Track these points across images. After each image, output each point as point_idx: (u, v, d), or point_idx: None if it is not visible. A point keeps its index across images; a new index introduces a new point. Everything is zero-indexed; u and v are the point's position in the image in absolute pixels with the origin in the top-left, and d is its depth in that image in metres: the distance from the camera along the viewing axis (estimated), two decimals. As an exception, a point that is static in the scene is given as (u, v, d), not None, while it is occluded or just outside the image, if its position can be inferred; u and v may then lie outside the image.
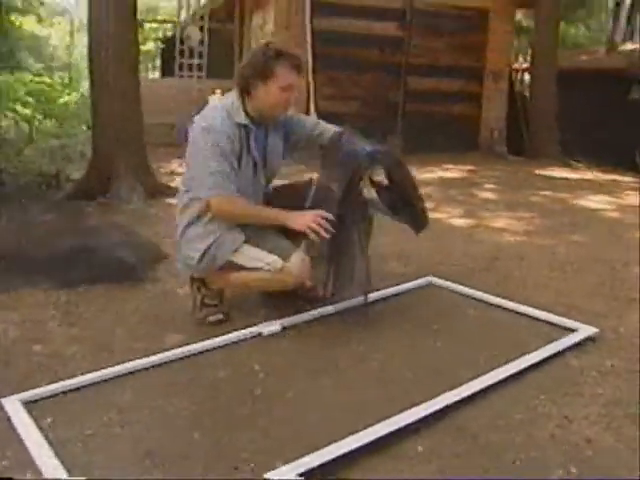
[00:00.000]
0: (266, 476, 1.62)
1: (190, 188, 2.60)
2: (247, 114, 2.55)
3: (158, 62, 17.47)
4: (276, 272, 2.49)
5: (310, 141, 2.84)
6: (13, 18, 15.54)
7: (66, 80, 15.37)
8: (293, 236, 2.57)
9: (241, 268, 2.54)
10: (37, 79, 6.76)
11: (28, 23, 17.03)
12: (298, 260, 2.50)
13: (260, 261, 2.50)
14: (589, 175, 8.10)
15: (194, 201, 2.58)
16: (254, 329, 2.58)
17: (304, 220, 2.45)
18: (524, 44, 15.05)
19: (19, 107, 6.10)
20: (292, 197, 2.72)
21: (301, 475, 1.62)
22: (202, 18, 10.65)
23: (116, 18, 5.09)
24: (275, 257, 2.49)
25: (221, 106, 2.58)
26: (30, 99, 5.99)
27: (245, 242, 2.54)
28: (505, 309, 2.86)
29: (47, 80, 6.95)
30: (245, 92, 2.55)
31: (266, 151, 2.67)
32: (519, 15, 13.70)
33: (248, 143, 2.56)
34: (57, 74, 15.47)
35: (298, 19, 9.24)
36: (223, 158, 2.46)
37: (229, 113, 2.53)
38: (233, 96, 2.60)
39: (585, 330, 2.55)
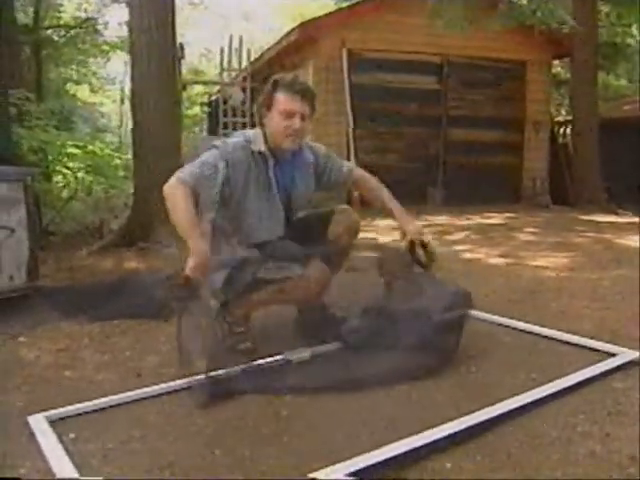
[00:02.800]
0: (312, 475, 1.58)
1: None
2: (267, 144, 2.59)
3: (205, 124, 18.07)
4: (295, 281, 2.47)
5: (341, 187, 2.88)
6: (68, 87, 16.45)
7: (116, 144, 15.94)
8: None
9: (267, 284, 2.54)
10: (89, 147, 7.04)
11: (82, 92, 18.00)
12: (317, 267, 2.48)
13: (282, 270, 2.49)
14: (634, 219, 7.89)
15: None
16: (283, 356, 2.53)
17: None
18: (565, 97, 15.05)
19: (67, 160, 6.37)
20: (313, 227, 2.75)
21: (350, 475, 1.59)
22: (244, 79, 11.00)
23: (158, 72, 5.30)
24: (295, 265, 2.49)
25: (244, 133, 2.67)
26: (76, 151, 6.24)
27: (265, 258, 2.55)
28: (543, 336, 2.76)
29: (98, 149, 7.22)
30: (260, 124, 2.62)
31: (289, 185, 2.68)
32: (558, 68, 13.79)
33: (266, 171, 2.59)
34: (108, 138, 16.13)
35: (337, 75, 9.48)
36: (212, 167, 2.46)
37: (248, 141, 2.58)
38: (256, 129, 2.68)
39: (628, 354, 2.43)
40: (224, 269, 2.56)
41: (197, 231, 2.38)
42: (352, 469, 1.61)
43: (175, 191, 2.40)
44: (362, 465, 1.63)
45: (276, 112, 2.53)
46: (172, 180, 2.44)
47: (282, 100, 2.51)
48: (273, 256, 2.55)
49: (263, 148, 2.58)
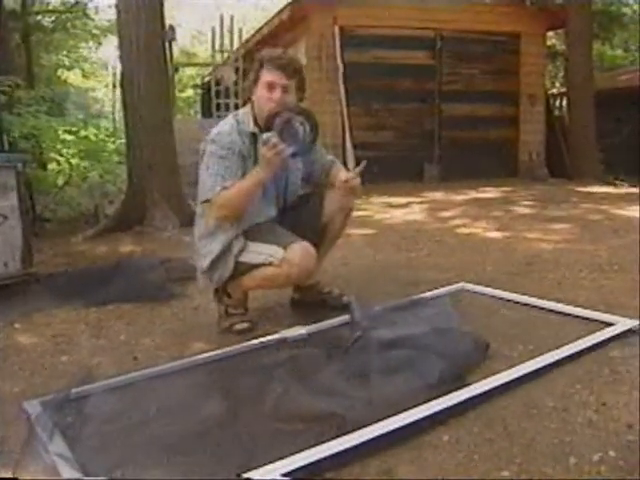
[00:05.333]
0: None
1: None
2: (256, 123, 2.60)
3: (198, 107, 18.00)
4: (279, 264, 2.47)
5: (317, 173, 2.83)
6: (59, 73, 16.32)
7: (110, 129, 15.83)
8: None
9: (252, 268, 2.54)
10: (82, 133, 6.98)
11: (74, 78, 17.85)
12: (298, 248, 2.47)
13: (263, 254, 2.50)
14: (632, 190, 7.87)
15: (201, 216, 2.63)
16: (279, 335, 2.53)
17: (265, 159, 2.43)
18: (560, 69, 14.94)
19: (60, 147, 6.33)
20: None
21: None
22: (237, 59, 10.90)
23: (147, 53, 5.24)
24: (276, 247, 2.49)
25: (233, 115, 2.68)
26: (69, 137, 6.20)
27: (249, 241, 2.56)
28: (540, 308, 2.75)
29: (91, 134, 7.16)
30: (249, 100, 2.66)
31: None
32: (553, 40, 13.67)
33: (255, 152, 2.58)
34: (103, 124, 16.06)
35: (329, 52, 9.39)
36: (224, 161, 2.51)
37: (239, 122, 2.61)
38: (247, 106, 2.69)
39: (625, 323, 2.42)
40: (210, 254, 2.58)
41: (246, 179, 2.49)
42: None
43: (221, 199, 2.49)
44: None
45: (260, 85, 2.58)
46: (213, 199, 2.51)
47: (265, 75, 2.57)
48: (255, 239, 2.55)
49: (252, 128, 2.59)
